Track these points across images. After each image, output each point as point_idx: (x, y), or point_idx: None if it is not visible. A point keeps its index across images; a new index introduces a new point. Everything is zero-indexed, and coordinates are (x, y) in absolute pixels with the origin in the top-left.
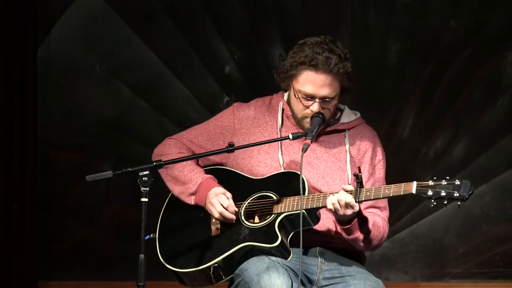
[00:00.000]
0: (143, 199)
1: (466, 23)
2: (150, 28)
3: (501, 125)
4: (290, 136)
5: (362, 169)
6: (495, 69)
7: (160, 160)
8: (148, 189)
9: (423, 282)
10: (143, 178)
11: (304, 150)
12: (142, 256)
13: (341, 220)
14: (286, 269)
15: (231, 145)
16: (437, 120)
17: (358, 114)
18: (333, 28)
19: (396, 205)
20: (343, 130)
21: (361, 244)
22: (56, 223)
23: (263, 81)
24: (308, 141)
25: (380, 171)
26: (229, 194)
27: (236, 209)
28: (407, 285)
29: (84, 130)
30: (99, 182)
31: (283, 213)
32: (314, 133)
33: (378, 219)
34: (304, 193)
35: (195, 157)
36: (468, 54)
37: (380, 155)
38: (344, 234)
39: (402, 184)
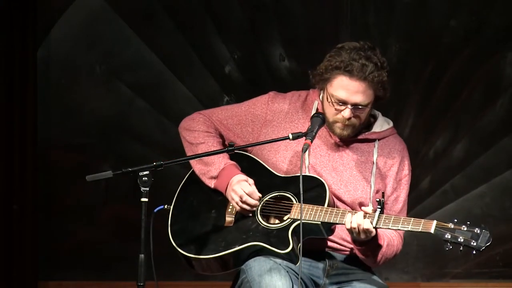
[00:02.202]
0: (143, 199)
1: (466, 23)
2: (150, 28)
3: (501, 125)
4: (290, 136)
5: (386, 182)
6: (495, 69)
7: (161, 161)
8: (148, 189)
9: (423, 282)
10: (143, 178)
11: (304, 150)
12: (142, 256)
13: (356, 239)
14: (288, 272)
15: (230, 145)
16: (437, 120)
17: (391, 123)
18: (333, 28)
19: None
20: (374, 140)
21: (372, 263)
22: (56, 223)
23: (263, 81)
24: (308, 141)
25: (405, 186)
26: (251, 181)
27: (260, 195)
28: (407, 285)
29: (84, 130)
30: (99, 182)
31: (298, 219)
32: (314, 133)
33: (393, 236)
34: (323, 203)
35: (195, 157)
36: (468, 54)
37: (406, 169)
38: (357, 253)
39: (422, 221)
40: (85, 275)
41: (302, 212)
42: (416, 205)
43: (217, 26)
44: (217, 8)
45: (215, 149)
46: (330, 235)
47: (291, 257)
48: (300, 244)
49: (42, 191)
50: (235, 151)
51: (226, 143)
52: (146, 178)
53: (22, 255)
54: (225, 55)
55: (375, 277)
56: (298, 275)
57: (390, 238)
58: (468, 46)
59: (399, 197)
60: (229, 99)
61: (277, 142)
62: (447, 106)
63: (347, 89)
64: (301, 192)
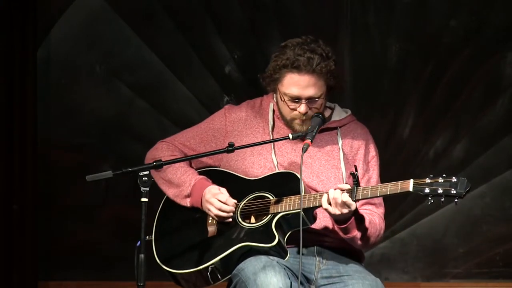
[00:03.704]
0: (143, 199)
1: (466, 23)
2: (150, 28)
3: (501, 125)
4: (290, 136)
5: (355, 166)
6: (495, 69)
7: (160, 160)
8: (148, 189)
9: (423, 282)
10: (143, 178)
11: (304, 150)
12: (142, 256)
13: (338, 219)
14: (284, 268)
15: (231, 145)
16: (437, 120)
17: (349, 112)
18: (333, 28)
19: (397, 205)
20: (335, 128)
21: (359, 242)
22: (56, 223)
23: None
24: (308, 141)
25: (374, 167)
26: (224, 190)
27: (235, 201)
28: (407, 285)
29: (84, 130)
30: (99, 182)
31: (280, 212)
32: (314, 133)
33: (374, 216)
34: (299, 193)
35: (195, 157)
36: (468, 54)
37: (373, 151)
38: (341, 233)
39: (399, 182)
40: (85, 275)
41: (301, 206)
42: (417, 205)
43: (217, 26)
44: (217, 8)
45: (183, 169)
46: (314, 223)
47: (279, 251)
48: (301, 237)
49: (42, 191)
50: (235, 150)
51: (193, 165)
52: (146, 178)
53: (22, 255)
54: (225, 55)
55: (366, 271)
56: (292, 271)
57: (371, 217)
58: (468, 46)
59: (371, 178)
60: (229, 99)
61: (243, 150)
62: (447, 106)
63: (298, 84)
64: (301, 191)
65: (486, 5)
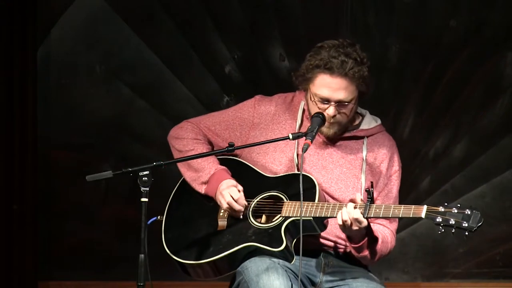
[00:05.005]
0: (143, 199)
1: (466, 23)
2: (150, 28)
3: (501, 125)
4: (290, 136)
5: (376, 178)
6: (495, 69)
7: (161, 161)
8: (148, 189)
9: (423, 282)
10: (143, 178)
11: (304, 150)
12: (142, 256)
13: (350, 235)
14: (286, 270)
15: (231, 145)
16: (437, 120)
17: (379, 121)
18: (333, 28)
19: None
20: (362, 137)
21: (369, 261)
22: (56, 223)
23: (263, 81)
24: (308, 141)
25: (395, 182)
26: (240, 188)
27: (246, 203)
28: (407, 285)
29: (84, 130)
30: (99, 182)
31: (290, 217)
32: (314, 133)
33: (386, 233)
34: (314, 199)
35: (195, 157)
36: (468, 54)
37: (396, 165)
38: (353, 251)
39: (413, 207)
40: (85, 275)
41: (302, 210)
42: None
43: (217, 26)
44: (217, 8)
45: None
46: (324, 230)
47: (286, 255)
48: (301, 242)
49: (42, 191)
50: (235, 150)
51: (215, 148)
52: (146, 178)
53: (22, 255)
54: (225, 55)
55: (370, 275)
56: (295, 273)
57: (384, 235)
58: (468, 46)
59: (390, 192)
60: (229, 99)
61: (266, 144)
62: (447, 106)
63: (329, 86)
64: (301, 191)
65: (486, 5)
